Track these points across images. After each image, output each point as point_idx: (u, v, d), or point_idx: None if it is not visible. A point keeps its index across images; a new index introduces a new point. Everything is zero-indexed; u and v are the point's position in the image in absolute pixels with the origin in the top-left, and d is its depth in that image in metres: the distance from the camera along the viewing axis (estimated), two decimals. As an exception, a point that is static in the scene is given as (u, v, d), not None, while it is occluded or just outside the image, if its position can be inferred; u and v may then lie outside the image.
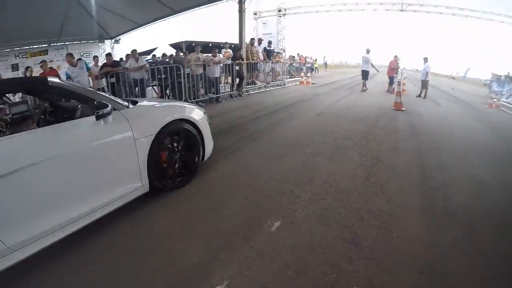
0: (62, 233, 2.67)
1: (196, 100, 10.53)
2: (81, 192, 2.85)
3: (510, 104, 16.23)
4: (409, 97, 14.15)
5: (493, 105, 14.69)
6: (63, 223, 2.66)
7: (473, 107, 14.21)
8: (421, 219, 3.30)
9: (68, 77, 9.51)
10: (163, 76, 10.33)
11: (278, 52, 17.26)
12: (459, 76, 57.91)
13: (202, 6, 15.90)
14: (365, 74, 16.10)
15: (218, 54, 12.44)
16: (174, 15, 16.97)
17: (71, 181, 2.78)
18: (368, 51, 15.86)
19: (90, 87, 9.06)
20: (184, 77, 10.50)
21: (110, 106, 3.11)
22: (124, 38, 20.15)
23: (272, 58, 15.64)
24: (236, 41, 14.40)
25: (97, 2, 14.81)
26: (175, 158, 3.86)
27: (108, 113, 3.08)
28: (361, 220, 3.20)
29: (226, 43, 14.74)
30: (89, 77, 9.83)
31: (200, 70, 11.31)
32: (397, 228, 3.10)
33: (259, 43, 15.04)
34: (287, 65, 18.11)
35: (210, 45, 16.25)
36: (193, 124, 4.04)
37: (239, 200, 3.60)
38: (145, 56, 17.42)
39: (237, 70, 12.63)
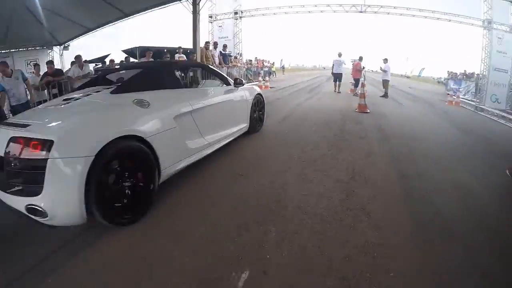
0: (225, 141, 5.13)
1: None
2: (230, 121, 5.42)
3: (468, 100, 16.73)
4: (370, 98, 13.80)
5: (453, 102, 15.16)
6: (225, 136, 5.09)
7: (434, 105, 14.41)
8: (418, 246, 2.73)
9: (3, 89, 8.12)
10: (111, 85, 9.31)
11: (235, 56, 16.58)
12: (414, 75, 60.17)
13: (155, 9, 15.24)
14: (337, 77, 16.12)
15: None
16: (126, 18, 16.02)
17: (228, 115, 5.35)
18: (340, 55, 15.96)
19: (29, 100, 7.90)
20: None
21: (244, 81, 6.51)
22: (73, 44, 18.63)
23: (228, 62, 14.92)
24: (191, 46, 13.62)
25: (43, 5, 13.41)
26: (257, 114, 6.60)
27: (243, 85, 5.99)
28: (348, 260, 2.51)
29: (180, 47, 13.89)
30: (28, 89, 8.04)
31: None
32: (393, 263, 2.47)
33: (215, 47, 14.30)
34: (244, 69, 17.45)
35: (165, 50, 15.37)
36: (262, 96, 6.85)
37: (189, 243, 2.76)
38: (97, 63, 16.26)
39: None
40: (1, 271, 2.43)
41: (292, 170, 4.54)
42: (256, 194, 3.70)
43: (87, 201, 2.56)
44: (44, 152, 2.46)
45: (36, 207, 2.49)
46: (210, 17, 17.76)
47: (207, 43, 13.52)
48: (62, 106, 3.43)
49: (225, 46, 15.25)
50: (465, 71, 23.56)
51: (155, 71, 4.49)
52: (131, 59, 15.54)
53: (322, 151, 5.46)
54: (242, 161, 4.91)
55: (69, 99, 3.63)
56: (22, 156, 2.51)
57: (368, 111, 9.89)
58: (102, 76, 5.20)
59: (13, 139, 2.58)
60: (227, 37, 17.32)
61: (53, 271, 2.39)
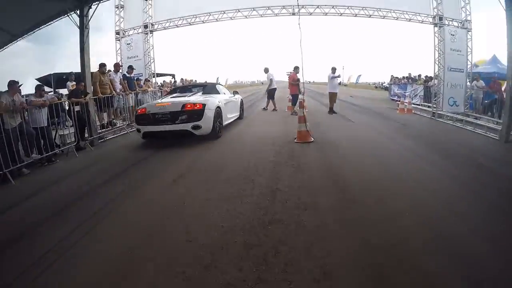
0: (231, 120, 10.27)
1: (18, 166, 6.26)
2: (232, 110, 10.46)
3: (418, 105, 15.80)
4: (312, 115, 11.60)
5: (405, 110, 13.88)
6: (230, 118, 10.04)
7: (387, 117, 12.56)
8: None
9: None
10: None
11: (146, 79, 13.46)
12: (352, 82, 60.15)
13: (41, 27, 12.11)
14: (269, 93, 14.55)
15: (45, 93, 8.34)
16: (16, 41, 13.04)
17: (232, 107, 10.36)
18: (266, 70, 14.65)
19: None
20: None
21: (238, 93, 12.44)
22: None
23: (134, 87, 11.81)
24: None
25: None
26: (241, 109, 11.95)
27: (237, 93, 12.12)
28: None
29: (71, 73, 10.68)
30: None
31: (16, 121, 7.02)
32: None
33: (116, 70, 11.19)
34: (159, 94, 14.41)
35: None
36: (242, 100, 12.50)
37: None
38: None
39: (77, 111, 8.57)
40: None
41: None
42: None
43: (214, 125, 8.00)
44: (203, 107, 7.71)
45: (198, 125, 7.55)
46: (117, 33, 14.51)
47: (102, 66, 10.34)
48: (189, 96, 8.86)
49: (130, 68, 12.14)
50: (409, 74, 22.06)
51: (210, 86, 10.34)
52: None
53: (230, 268, 2.58)
54: None
55: (175, 96, 9.15)
56: (192, 109, 7.62)
57: (312, 139, 7.35)
58: (175, 89, 11.64)
59: (185, 105, 7.66)
60: (137, 56, 14.15)
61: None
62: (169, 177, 5.16)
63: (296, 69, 12.99)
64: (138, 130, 8.19)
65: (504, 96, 11.90)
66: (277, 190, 4.28)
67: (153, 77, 14.44)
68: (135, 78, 12.42)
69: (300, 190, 4.26)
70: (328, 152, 6.46)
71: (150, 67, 14.11)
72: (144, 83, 12.88)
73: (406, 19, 13.04)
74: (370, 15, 13.08)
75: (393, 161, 5.75)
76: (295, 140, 7.36)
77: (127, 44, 14.38)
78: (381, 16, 13.10)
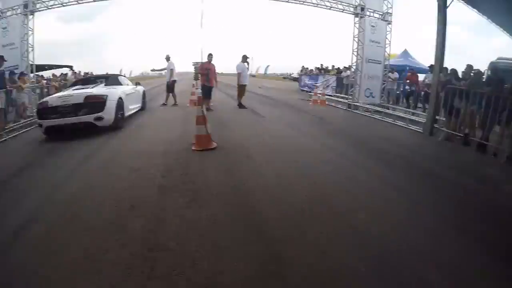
0: (133, 111, 10.03)
1: None
2: (135, 101, 10.38)
3: (332, 96, 15.96)
4: (218, 110, 11.00)
5: (318, 101, 13.94)
6: (132, 109, 9.97)
7: (301, 110, 12.21)
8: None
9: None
10: None
11: (21, 73, 10.67)
12: (260, 73, 59.57)
13: None
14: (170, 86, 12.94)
15: None
16: None
17: (134, 98, 10.30)
18: (168, 58, 13.03)
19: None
20: None
21: (141, 84, 12.34)
22: None
23: (2, 84, 9.30)
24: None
25: None
26: (144, 99, 12.16)
27: (139, 85, 11.96)
28: None
29: None
30: None
31: None
32: None
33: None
34: (38, 91, 11.95)
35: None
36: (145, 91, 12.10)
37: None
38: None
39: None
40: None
41: None
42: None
43: (116, 115, 8.11)
44: (104, 98, 7.75)
45: (100, 116, 7.52)
46: (-6, 15, 11.69)
47: None
48: (91, 87, 8.83)
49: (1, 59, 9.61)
50: (321, 65, 22.09)
51: (112, 78, 10.67)
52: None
53: None
54: None
55: (77, 88, 9.03)
56: (94, 101, 7.61)
57: (215, 145, 6.00)
58: (77, 81, 11.43)
59: (88, 97, 7.63)
60: (13, 43, 11.53)
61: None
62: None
63: (210, 56, 11.34)
64: (40, 125, 7.73)
65: (420, 88, 12.33)
66: (159, 250, 2.66)
67: (31, 71, 11.84)
68: (5, 73, 9.83)
69: (196, 249, 2.68)
70: (236, 164, 5.10)
71: (27, 57, 11.65)
72: (18, 78, 10.41)
73: (327, 6, 12.64)
74: (288, 0, 12.35)
75: (324, 173, 4.67)
76: (193, 147, 5.90)
77: (3, 28, 11.62)
78: (300, 1, 12.49)
